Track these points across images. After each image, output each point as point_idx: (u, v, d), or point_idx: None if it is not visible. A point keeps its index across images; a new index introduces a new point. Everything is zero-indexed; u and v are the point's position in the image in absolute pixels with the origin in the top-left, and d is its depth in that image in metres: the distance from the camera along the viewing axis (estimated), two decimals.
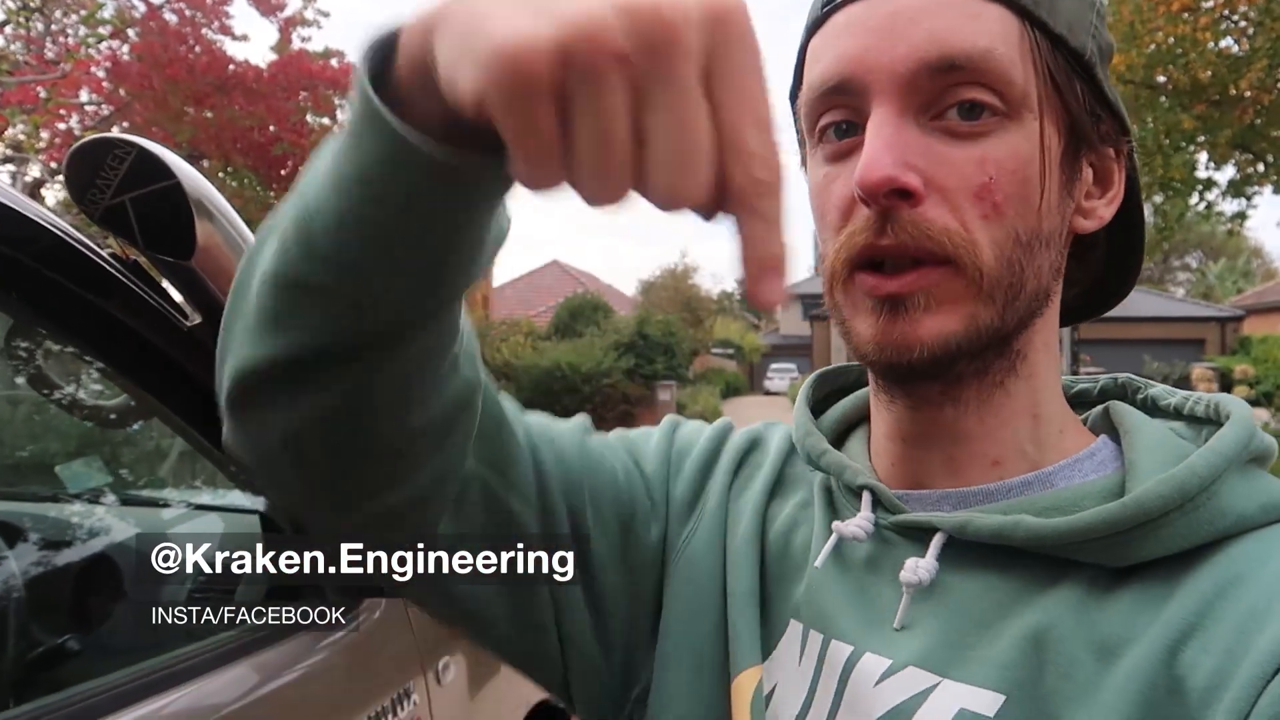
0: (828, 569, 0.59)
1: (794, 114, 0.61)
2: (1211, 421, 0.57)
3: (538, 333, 24.84)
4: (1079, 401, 0.65)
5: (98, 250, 1.02)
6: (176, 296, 1.12)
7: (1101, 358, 21.75)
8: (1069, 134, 0.54)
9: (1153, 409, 0.61)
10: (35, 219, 0.93)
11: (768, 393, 34.17)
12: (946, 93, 0.51)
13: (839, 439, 0.66)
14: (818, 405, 0.69)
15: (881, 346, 0.53)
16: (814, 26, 0.57)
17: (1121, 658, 0.47)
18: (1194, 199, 11.83)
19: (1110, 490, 0.53)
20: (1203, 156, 11.46)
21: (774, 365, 37.24)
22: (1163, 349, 23.84)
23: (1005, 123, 0.52)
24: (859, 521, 0.58)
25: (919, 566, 0.54)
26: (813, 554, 0.60)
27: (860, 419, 0.67)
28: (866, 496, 0.59)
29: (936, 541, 0.55)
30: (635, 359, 23.68)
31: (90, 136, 0.95)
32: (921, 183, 0.51)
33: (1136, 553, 0.50)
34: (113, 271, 1.03)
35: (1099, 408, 0.62)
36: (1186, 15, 9.85)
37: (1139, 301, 26.96)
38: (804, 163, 0.61)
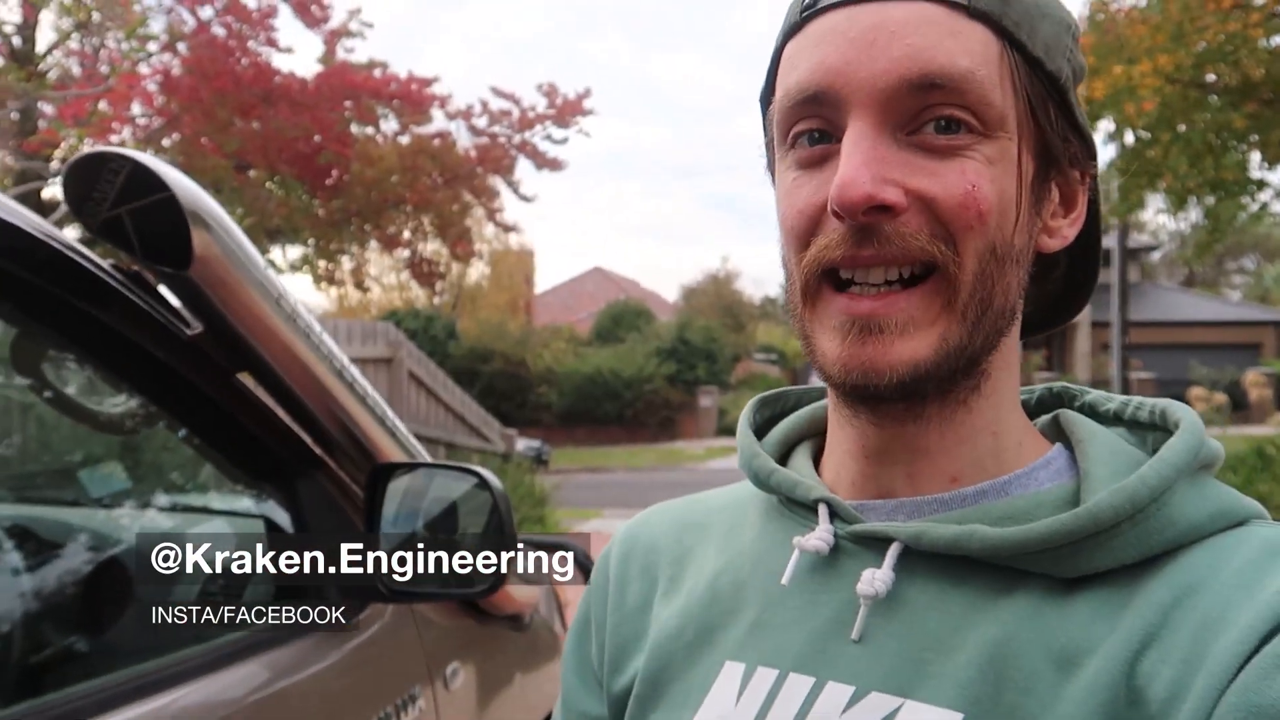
0: (785, 588, 0.58)
1: (764, 118, 0.61)
2: (1158, 427, 0.57)
3: (579, 339, 24.97)
4: None
5: (98, 261, 1.04)
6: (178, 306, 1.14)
7: (1152, 362, 21.29)
8: (1041, 156, 0.55)
9: (1093, 416, 0.61)
10: (34, 232, 0.95)
11: None
12: (924, 110, 0.51)
13: (782, 459, 0.67)
14: (758, 430, 0.69)
15: (848, 369, 0.53)
16: (791, 31, 0.56)
17: (1081, 668, 0.48)
18: (1246, 200, 11.54)
19: (1065, 499, 0.54)
20: (1255, 156, 11.17)
21: None
22: (1217, 353, 23.22)
23: (982, 141, 0.52)
24: (820, 534, 0.57)
25: (875, 578, 0.54)
26: (754, 584, 0.60)
27: (800, 438, 0.68)
28: (823, 509, 0.59)
29: (893, 552, 0.55)
30: (677, 365, 23.70)
31: (84, 151, 0.98)
32: (903, 195, 0.51)
33: (1089, 563, 0.50)
34: (113, 283, 1.05)
35: (1046, 416, 0.62)
36: (1237, 12, 9.62)
37: (1192, 305, 26.32)
38: (770, 168, 0.61)
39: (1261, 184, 11.33)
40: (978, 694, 0.49)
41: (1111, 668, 0.47)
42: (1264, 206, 11.68)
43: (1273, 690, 0.42)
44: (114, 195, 0.98)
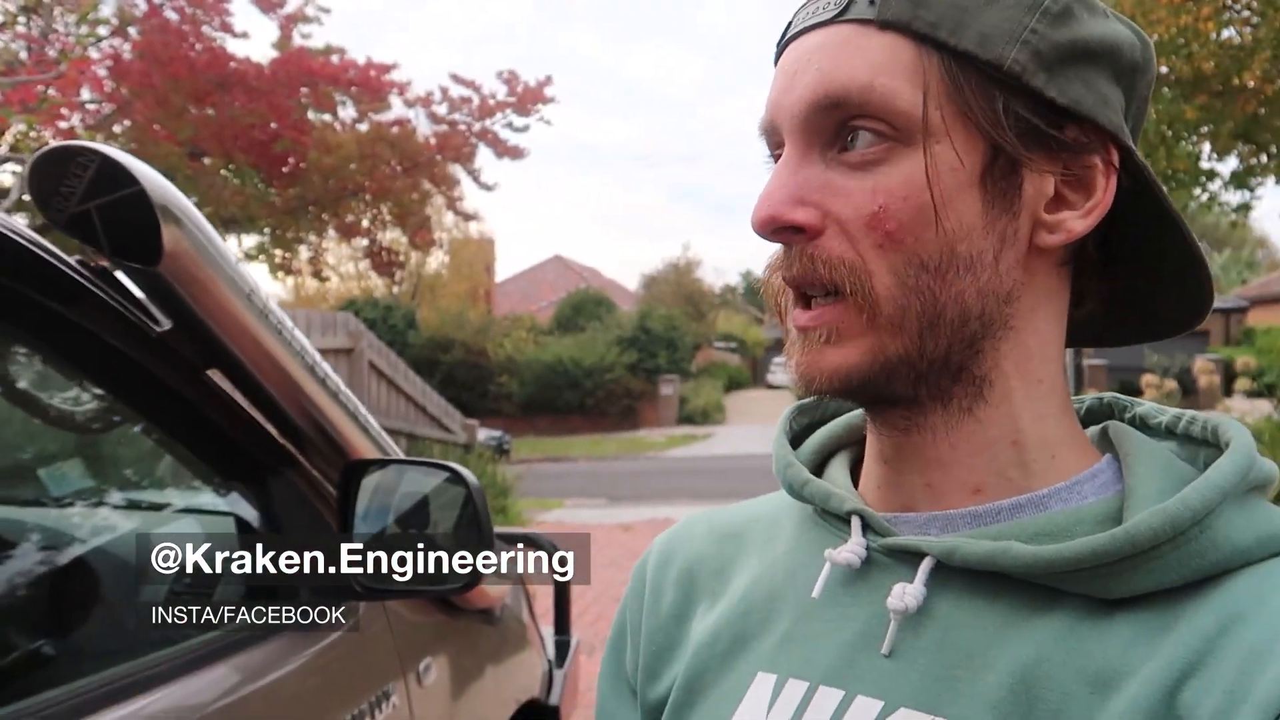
0: (818, 599, 0.58)
1: None
2: (1210, 444, 0.56)
3: (540, 327, 24.86)
4: None
5: (64, 257, 1.02)
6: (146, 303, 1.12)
7: (1105, 349, 21.68)
8: (989, 151, 0.52)
9: (1142, 429, 0.60)
10: None
11: (770, 386, 34.31)
12: (842, 127, 0.53)
13: (818, 469, 0.66)
14: (795, 437, 0.69)
15: (799, 376, 0.56)
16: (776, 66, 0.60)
17: (1117, 692, 0.47)
18: (1197, 190, 11.79)
19: (1107, 515, 0.53)
20: (1206, 148, 11.42)
21: (777, 359, 37.29)
22: (1168, 341, 23.65)
23: (900, 149, 0.52)
24: (851, 547, 0.57)
25: (906, 592, 0.53)
26: (787, 595, 0.60)
27: (838, 447, 0.67)
28: (856, 522, 0.58)
29: (924, 566, 0.54)
30: (638, 353, 23.70)
31: (51, 145, 0.95)
32: (818, 217, 0.53)
33: (1126, 585, 0.49)
34: (79, 279, 1.03)
35: (1095, 429, 0.61)
36: (1189, 5, 9.81)
37: None
38: None
39: (1212, 175, 11.59)
40: (1009, 714, 0.48)
41: (1151, 694, 0.46)
42: (1213, 197, 11.94)
43: None
44: (82, 190, 0.96)
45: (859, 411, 0.67)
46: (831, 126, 0.53)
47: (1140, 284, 0.60)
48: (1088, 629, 0.49)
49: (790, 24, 0.57)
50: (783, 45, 0.58)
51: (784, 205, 0.53)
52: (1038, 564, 0.50)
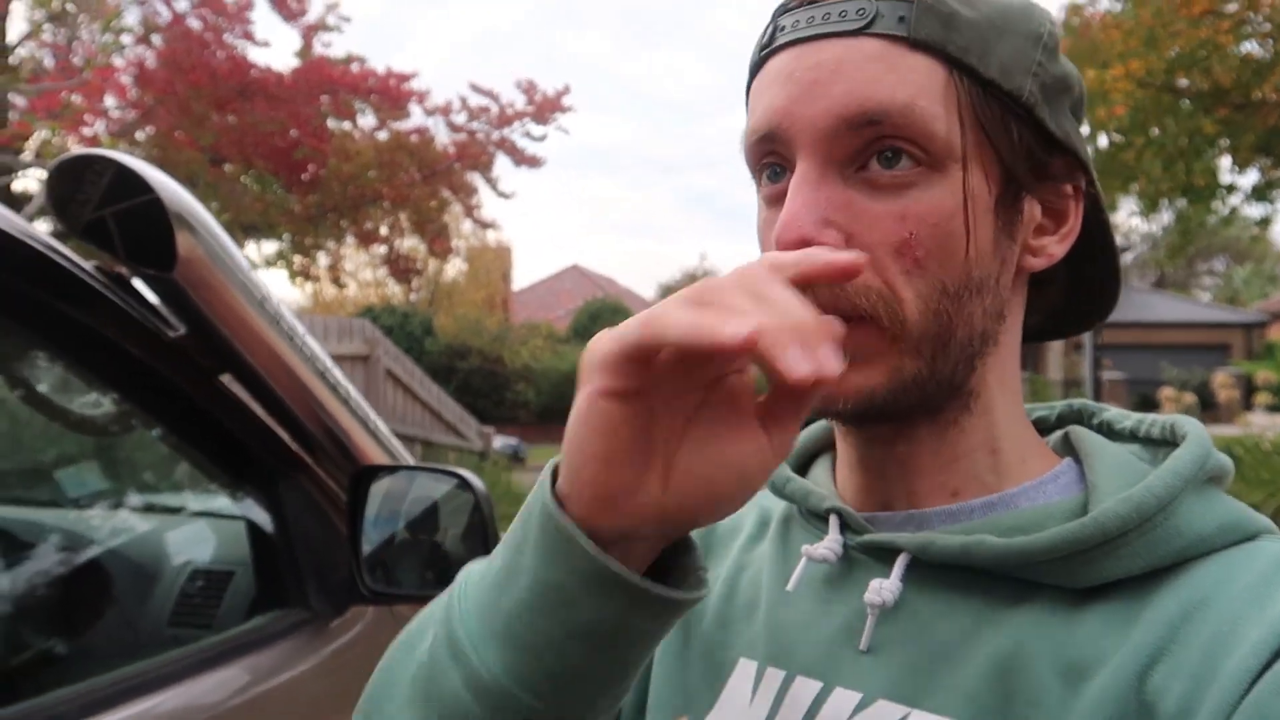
0: (797, 594, 0.59)
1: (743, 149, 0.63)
2: (1168, 443, 0.57)
3: (557, 336, 24.86)
4: (1037, 429, 0.65)
5: (81, 264, 1.04)
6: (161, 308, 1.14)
7: (1122, 363, 21.53)
8: (1004, 179, 0.54)
9: (1109, 433, 0.62)
10: (15, 233, 0.95)
11: None
12: (868, 146, 0.52)
13: (802, 469, 0.68)
14: None
15: (820, 398, 0.53)
16: (754, 70, 0.58)
17: (1089, 680, 0.48)
18: (1217, 204, 11.70)
19: (1073, 511, 0.54)
20: (1225, 161, 11.33)
21: None
22: (1186, 354, 23.55)
23: (929, 174, 0.51)
24: (828, 544, 0.58)
25: (883, 587, 0.54)
26: (768, 586, 0.62)
27: (822, 448, 0.68)
28: (834, 520, 0.59)
29: (900, 562, 0.55)
30: None
31: (70, 153, 0.97)
32: (842, 239, 0.51)
33: (1097, 573, 0.50)
34: (96, 285, 1.05)
35: (1058, 433, 0.62)
36: (1208, 19, 9.75)
37: (1161, 306, 26.65)
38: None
39: (1231, 188, 11.50)
40: (985, 705, 0.49)
41: (1120, 681, 0.47)
42: (1234, 210, 11.85)
43: None
44: (98, 197, 0.98)
45: None
46: (859, 144, 0.51)
47: (1058, 297, 0.63)
48: (1060, 620, 0.50)
49: (778, 27, 0.55)
50: (772, 50, 0.55)
51: (814, 228, 0.50)
52: (1011, 555, 0.51)
